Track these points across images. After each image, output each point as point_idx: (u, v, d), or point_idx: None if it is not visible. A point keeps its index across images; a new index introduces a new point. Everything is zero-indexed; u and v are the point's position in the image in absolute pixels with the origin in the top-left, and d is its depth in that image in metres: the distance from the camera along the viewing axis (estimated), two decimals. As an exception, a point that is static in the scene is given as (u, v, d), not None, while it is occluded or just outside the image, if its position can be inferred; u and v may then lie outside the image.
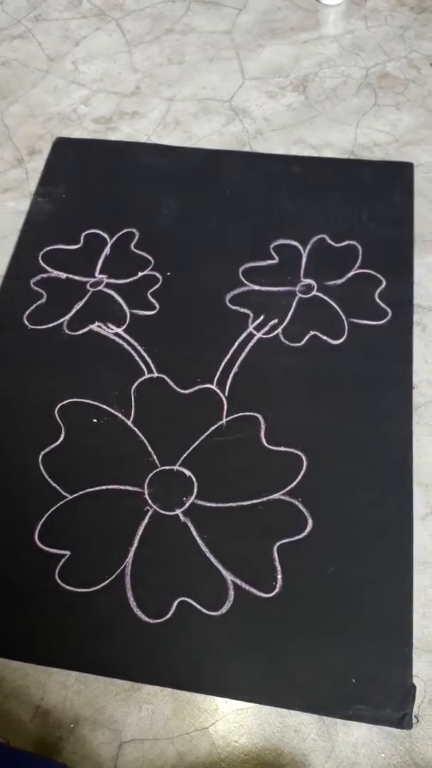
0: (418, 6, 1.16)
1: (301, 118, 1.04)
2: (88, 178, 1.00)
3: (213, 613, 0.68)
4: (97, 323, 0.87)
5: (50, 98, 1.09)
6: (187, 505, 0.74)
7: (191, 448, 0.77)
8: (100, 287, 0.90)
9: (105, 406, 0.80)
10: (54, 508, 0.74)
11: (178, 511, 0.73)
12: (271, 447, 0.77)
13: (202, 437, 0.78)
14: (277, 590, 0.69)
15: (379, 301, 0.86)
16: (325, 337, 0.84)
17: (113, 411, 0.80)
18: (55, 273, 0.91)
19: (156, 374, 0.82)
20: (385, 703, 0.64)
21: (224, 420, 0.79)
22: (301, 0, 1.18)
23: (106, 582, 0.70)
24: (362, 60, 1.10)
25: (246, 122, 1.04)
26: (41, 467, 0.77)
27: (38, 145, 1.04)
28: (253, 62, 1.11)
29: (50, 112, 1.08)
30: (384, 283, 0.87)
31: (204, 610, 0.68)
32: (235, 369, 0.82)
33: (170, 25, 1.17)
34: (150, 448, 0.77)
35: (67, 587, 0.70)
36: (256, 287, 0.88)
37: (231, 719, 0.64)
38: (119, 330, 0.86)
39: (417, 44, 1.11)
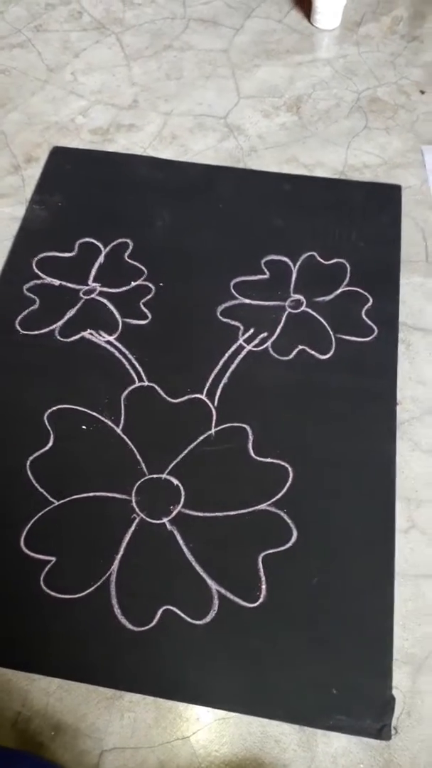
0: (409, 34, 1.20)
1: (294, 137, 1.06)
2: (84, 188, 1.01)
3: (197, 622, 0.68)
4: (89, 331, 0.87)
5: (49, 107, 1.11)
6: (174, 513, 0.74)
7: (179, 457, 0.78)
8: (93, 295, 0.91)
9: (94, 413, 0.81)
10: (40, 513, 0.74)
11: (165, 520, 0.74)
12: (258, 458, 0.78)
13: (191, 446, 0.78)
14: (261, 600, 0.70)
15: (365, 319, 0.88)
16: (312, 352, 0.85)
17: (102, 418, 0.80)
18: (49, 280, 0.92)
19: (146, 383, 0.83)
20: (365, 714, 0.64)
21: (213, 430, 0.80)
22: (296, 23, 1.22)
23: (91, 589, 0.70)
24: (354, 84, 1.13)
25: (240, 139, 1.06)
26: (29, 472, 0.77)
27: (35, 153, 1.05)
28: (248, 81, 1.14)
29: (48, 121, 1.09)
30: (371, 301, 0.89)
31: (188, 619, 0.69)
32: (224, 380, 0.83)
33: (169, 42, 1.19)
34: (138, 456, 0.78)
35: (52, 593, 0.70)
36: (247, 301, 0.90)
37: (212, 728, 0.65)
38: (111, 338, 0.87)
39: (407, 71, 1.15)
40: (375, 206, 0.98)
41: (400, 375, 0.84)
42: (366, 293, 0.90)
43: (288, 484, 0.76)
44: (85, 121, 1.09)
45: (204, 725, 0.65)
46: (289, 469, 0.77)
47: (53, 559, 0.72)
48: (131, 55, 1.17)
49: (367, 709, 0.65)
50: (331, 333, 0.87)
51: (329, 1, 1.16)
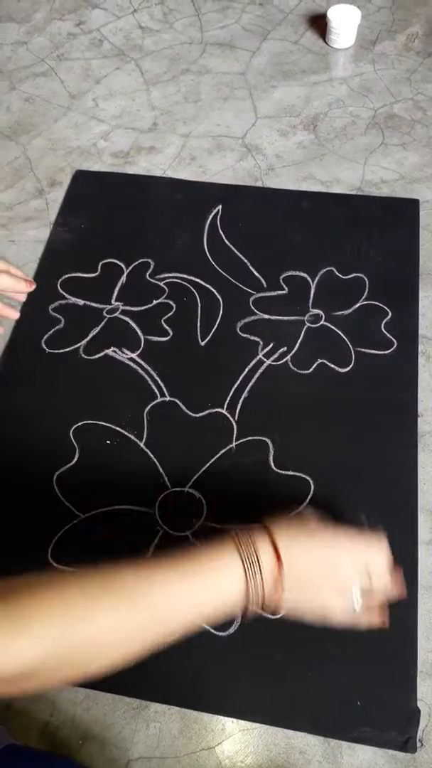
0: (424, 51, 1.21)
1: (311, 155, 1.09)
2: (106, 210, 1.04)
3: (221, 634, 0.69)
4: (112, 348, 0.90)
5: (71, 133, 1.15)
6: (197, 526, 0.76)
7: (201, 471, 0.79)
8: (115, 314, 0.93)
9: (118, 429, 0.83)
10: (67, 527, 0.76)
11: (188, 533, 0.75)
12: (279, 471, 0.79)
13: (212, 460, 0.80)
14: (284, 612, 0.70)
15: (385, 332, 0.89)
16: (332, 365, 0.87)
17: (126, 433, 0.82)
18: (73, 300, 0.95)
19: (168, 398, 0.85)
20: (390, 726, 0.64)
21: (234, 444, 0.81)
22: (311, 44, 1.24)
23: (117, 600, 0.71)
24: (370, 101, 1.15)
25: (258, 158, 1.09)
26: (55, 487, 0.79)
27: (59, 177, 1.09)
28: (265, 102, 1.16)
29: (71, 146, 1.13)
30: (390, 314, 0.90)
31: (212, 630, 0.70)
32: (245, 394, 0.85)
33: (187, 66, 1.23)
34: (161, 470, 0.79)
35: (79, 605, 0.72)
36: (266, 316, 0.91)
37: (237, 739, 0.65)
38: (134, 355, 0.89)
39: (423, 87, 1.16)
40: (393, 220, 1.00)
41: (421, 388, 0.85)
42: (385, 306, 0.91)
43: (309, 497, 0.77)
44: (106, 145, 1.13)
45: (229, 736, 0.66)
46: (311, 482, 0.78)
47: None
48: (150, 80, 1.21)
49: (391, 721, 0.65)
50: (350, 346, 0.88)
51: (344, 21, 1.18)
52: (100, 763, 0.65)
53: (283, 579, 0.48)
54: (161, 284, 0.96)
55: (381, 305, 0.91)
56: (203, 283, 0.95)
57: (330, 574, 0.50)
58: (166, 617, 0.44)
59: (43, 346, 0.91)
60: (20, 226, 1.03)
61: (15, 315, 0.68)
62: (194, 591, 0.45)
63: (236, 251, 0.98)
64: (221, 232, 1.01)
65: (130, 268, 0.98)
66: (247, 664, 0.68)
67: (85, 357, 0.89)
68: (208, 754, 0.65)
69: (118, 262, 0.98)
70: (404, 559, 0.72)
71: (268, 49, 1.24)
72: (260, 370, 0.87)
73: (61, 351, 0.90)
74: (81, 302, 0.95)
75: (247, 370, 0.87)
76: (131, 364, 0.88)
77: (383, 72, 1.19)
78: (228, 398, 0.84)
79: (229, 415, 0.83)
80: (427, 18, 1.27)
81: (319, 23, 1.26)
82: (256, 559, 0.47)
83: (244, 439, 0.81)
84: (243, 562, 0.46)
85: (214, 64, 1.23)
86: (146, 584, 0.43)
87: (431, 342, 0.88)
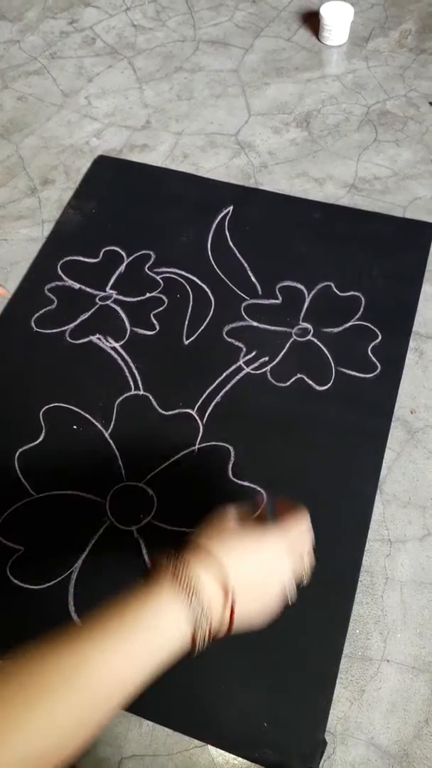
0: (417, 48, 1.19)
1: (304, 152, 1.08)
2: (119, 197, 1.05)
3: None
4: (97, 335, 0.91)
5: (64, 131, 1.16)
6: (143, 523, 0.76)
7: (159, 469, 0.79)
8: (108, 302, 0.94)
9: (87, 415, 0.84)
10: (19, 504, 0.78)
11: (133, 528, 0.76)
12: (235, 480, 0.78)
13: (172, 459, 0.80)
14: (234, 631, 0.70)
15: (371, 355, 0.87)
16: (310, 382, 0.85)
17: (94, 421, 0.83)
18: (70, 282, 0.96)
19: (141, 392, 0.85)
20: (292, 753, 0.64)
21: (196, 446, 0.81)
22: (304, 41, 1.23)
23: (52, 583, 0.73)
24: (363, 98, 1.14)
25: (251, 156, 1.08)
26: (16, 463, 0.81)
27: (51, 176, 1.09)
28: (258, 99, 1.16)
29: (63, 144, 1.14)
30: (379, 338, 0.88)
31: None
32: (217, 398, 0.85)
33: (180, 64, 1.23)
34: (120, 462, 0.80)
35: (15, 581, 0.73)
36: (255, 323, 0.91)
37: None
38: (117, 345, 0.90)
39: (416, 84, 1.15)
40: (402, 243, 0.97)
41: (414, 384, 0.85)
42: (376, 329, 0.89)
43: (259, 511, 0.76)
44: (99, 143, 1.13)
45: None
46: (264, 495, 0.77)
47: (22, 548, 0.75)
48: (143, 78, 1.21)
49: (295, 749, 0.64)
50: (332, 365, 0.86)
51: (337, 18, 1.17)
52: (93, 761, 0.65)
53: (231, 601, 0.44)
54: (158, 278, 0.96)
55: (372, 327, 0.89)
56: (199, 282, 0.95)
57: (271, 571, 0.47)
58: (111, 695, 0.39)
59: (32, 324, 0.92)
60: (12, 225, 1.04)
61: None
62: (138, 656, 0.41)
63: (238, 254, 0.98)
64: (227, 233, 1.00)
65: (131, 258, 0.98)
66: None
67: (70, 341, 0.91)
68: (201, 752, 0.65)
69: (120, 250, 0.99)
70: (341, 590, 0.71)
71: (261, 46, 1.23)
72: (237, 377, 0.86)
73: (48, 331, 0.92)
74: (77, 286, 0.96)
75: (224, 375, 0.86)
76: (113, 353, 0.89)
77: (376, 69, 1.17)
78: (200, 401, 0.84)
79: (197, 418, 0.83)
80: (419, 14, 1.25)
81: (312, 20, 1.25)
82: (198, 593, 0.42)
83: (207, 444, 0.81)
84: (189, 602, 0.42)
85: (207, 61, 1.22)
86: (83, 668, 0.38)
87: (424, 338, 0.88)
